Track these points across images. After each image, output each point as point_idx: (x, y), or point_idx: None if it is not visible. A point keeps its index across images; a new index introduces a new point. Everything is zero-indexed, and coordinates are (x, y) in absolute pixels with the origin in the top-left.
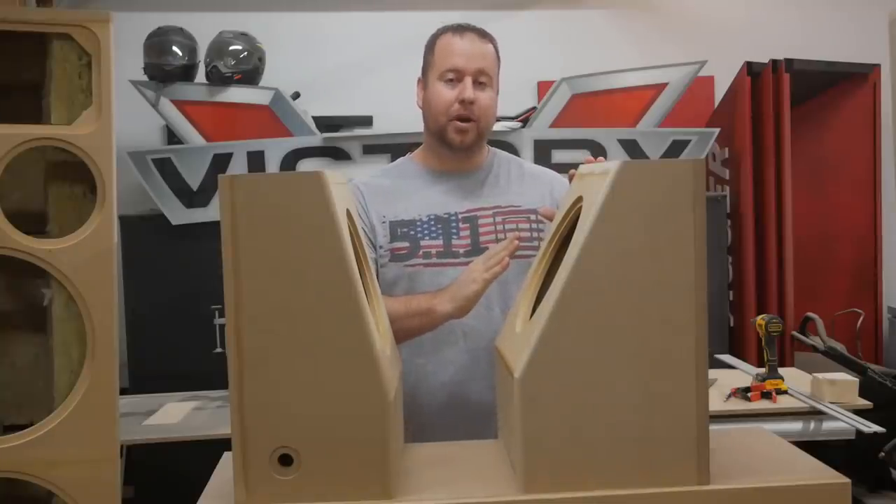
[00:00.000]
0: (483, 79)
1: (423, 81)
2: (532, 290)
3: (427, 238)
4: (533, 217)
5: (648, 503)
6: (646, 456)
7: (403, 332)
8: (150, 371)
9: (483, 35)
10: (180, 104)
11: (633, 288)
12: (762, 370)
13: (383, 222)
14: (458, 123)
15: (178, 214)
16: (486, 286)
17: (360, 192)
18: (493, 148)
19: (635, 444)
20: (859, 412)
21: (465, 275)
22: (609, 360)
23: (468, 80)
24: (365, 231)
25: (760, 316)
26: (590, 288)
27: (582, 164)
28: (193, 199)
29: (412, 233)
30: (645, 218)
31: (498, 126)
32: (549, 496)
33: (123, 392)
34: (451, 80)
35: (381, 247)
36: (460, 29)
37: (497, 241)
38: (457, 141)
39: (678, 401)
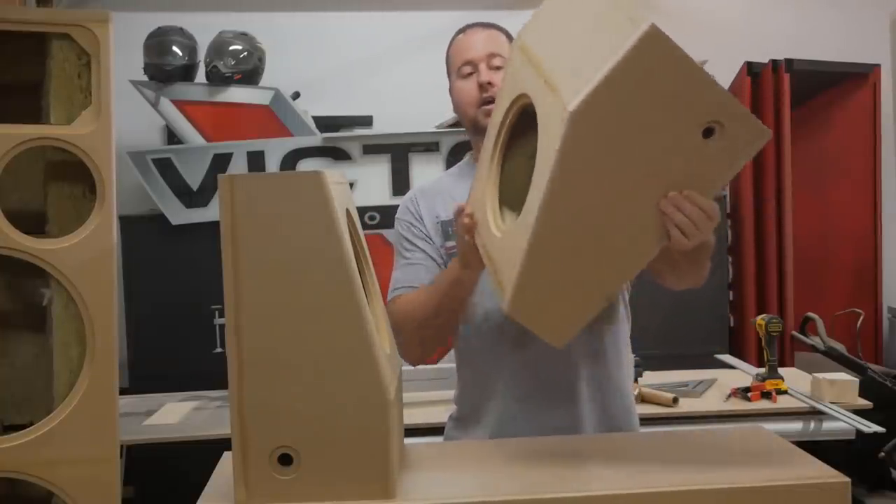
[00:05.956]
0: (497, 62)
1: (450, 90)
2: (492, 183)
3: None
4: None
5: None
6: None
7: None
8: (150, 371)
9: (487, 25)
10: (180, 104)
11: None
12: (762, 370)
13: (436, 223)
14: (486, 107)
15: (178, 214)
16: (463, 240)
17: (414, 200)
18: None
19: None
20: (859, 412)
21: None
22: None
23: (482, 66)
24: (425, 238)
25: (760, 316)
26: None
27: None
28: (193, 199)
29: None
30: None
31: None
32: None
33: (123, 392)
34: (468, 74)
35: (441, 247)
36: (463, 28)
37: None
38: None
39: None
